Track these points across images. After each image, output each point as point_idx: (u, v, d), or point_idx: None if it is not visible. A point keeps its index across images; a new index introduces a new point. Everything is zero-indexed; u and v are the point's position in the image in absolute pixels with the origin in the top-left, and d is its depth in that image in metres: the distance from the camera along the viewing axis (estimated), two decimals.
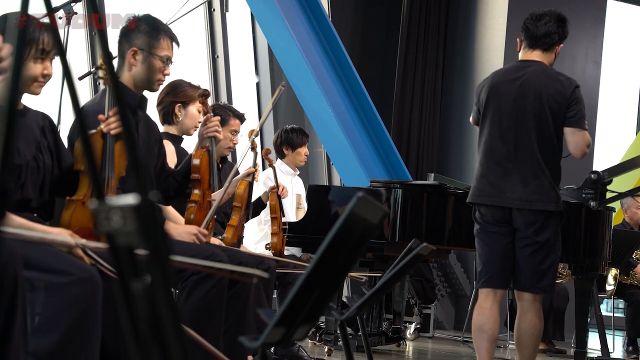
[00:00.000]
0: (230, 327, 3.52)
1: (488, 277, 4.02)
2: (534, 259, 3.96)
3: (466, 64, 8.86)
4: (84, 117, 1.09)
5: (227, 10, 8.05)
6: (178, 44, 3.48)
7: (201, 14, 7.98)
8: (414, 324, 7.00)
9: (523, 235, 3.96)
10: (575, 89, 3.99)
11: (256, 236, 5.74)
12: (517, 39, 4.20)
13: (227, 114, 4.77)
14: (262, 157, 5.09)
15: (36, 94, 2.86)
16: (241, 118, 5.00)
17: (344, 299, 6.01)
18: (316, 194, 5.41)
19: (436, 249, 4.32)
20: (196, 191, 3.67)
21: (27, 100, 2.97)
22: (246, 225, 4.83)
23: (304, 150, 5.93)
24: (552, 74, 4.03)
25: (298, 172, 6.05)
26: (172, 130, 4.24)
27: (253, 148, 4.92)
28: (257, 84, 8.44)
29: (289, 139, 5.89)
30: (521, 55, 4.14)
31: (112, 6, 7.09)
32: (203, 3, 7.42)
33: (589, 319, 6.39)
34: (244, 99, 8.36)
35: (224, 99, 7.87)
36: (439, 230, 5.29)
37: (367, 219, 1.92)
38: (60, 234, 2.71)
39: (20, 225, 2.66)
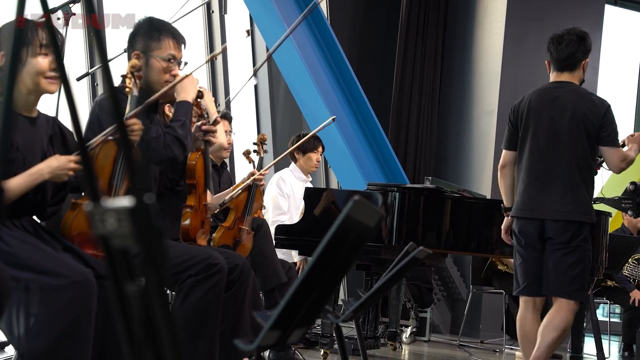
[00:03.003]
0: (226, 330, 3.52)
1: (526, 285, 4.24)
2: (564, 262, 4.12)
3: (464, 68, 8.86)
4: (80, 119, 1.09)
5: (225, 12, 8.06)
6: (184, 43, 3.47)
7: (200, 16, 7.98)
8: (410, 327, 7.00)
9: (555, 241, 4.14)
10: (607, 109, 4.22)
11: None
12: (546, 62, 4.38)
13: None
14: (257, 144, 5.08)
15: (51, 91, 2.87)
16: (226, 117, 5.04)
17: (340, 302, 6.01)
18: (313, 197, 5.40)
19: (433, 253, 4.33)
20: (192, 196, 3.67)
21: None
22: None
23: (315, 155, 5.94)
24: (585, 94, 4.26)
25: (310, 179, 6.07)
26: None
27: (258, 152, 4.94)
28: (255, 87, 8.44)
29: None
30: (552, 77, 4.34)
31: (112, 6, 7.09)
32: (202, 5, 7.42)
33: (584, 324, 6.39)
34: (242, 101, 8.36)
35: (222, 101, 7.87)
36: (435, 234, 5.28)
37: (363, 222, 1.92)
38: (50, 165, 2.74)
39: (18, 185, 2.69)
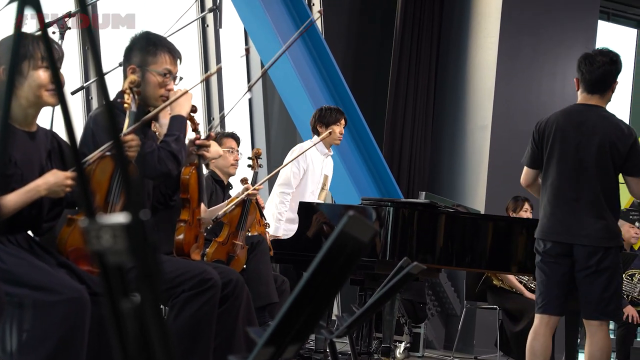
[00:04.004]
0: (219, 345, 3.51)
1: (545, 304, 4.26)
2: (598, 286, 4.15)
3: (458, 82, 8.89)
4: (75, 132, 1.09)
5: (220, 27, 8.07)
6: (180, 58, 3.47)
7: (195, 30, 7.99)
8: (403, 343, 6.98)
9: (585, 266, 4.17)
10: (635, 139, 4.23)
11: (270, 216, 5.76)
12: (575, 79, 4.34)
13: (219, 135, 4.86)
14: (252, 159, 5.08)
15: (51, 104, 2.87)
16: (234, 137, 5.08)
17: (334, 317, 5.99)
18: (307, 211, 5.40)
19: (427, 268, 4.32)
20: (185, 210, 3.66)
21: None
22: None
23: (338, 128, 5.90)
24: (613, 121, 4.26)
25: (332, 153, 6.04)
26: None
27: (252, 166, 4.94)
28: (250, 101, 8.44)
29: (322, 116, 5.88)
30: (580, 99, 4.31)
31: (112, 6, 7.08)
32: (197, 19, 7.43)
33: (579, 340, 6.38)
34: (236, 115, 8.36)
35: (216, 115, 7.88)
36: (429, 249, 5.28)
37: (357, 237, 1.92)
38: (47, 181, 2.72)
39: (15, 202, 2.68)
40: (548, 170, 4.29)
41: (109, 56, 6.69)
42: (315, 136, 5.91)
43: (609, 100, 4.32)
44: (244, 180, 4.93)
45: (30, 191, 2.74)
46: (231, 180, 5.27)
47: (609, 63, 4.21)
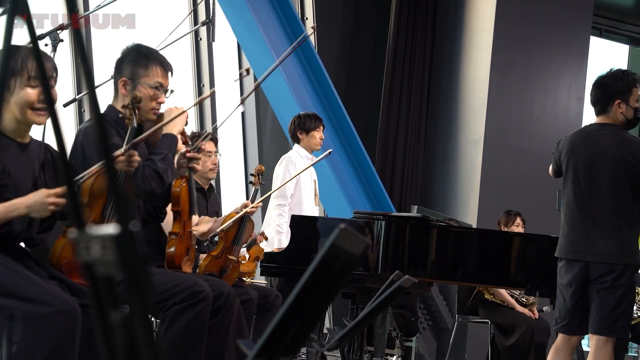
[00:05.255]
0: (210, 358, 3.50)
1: (564, 324, 4.38)
2: (610, 302, 4.21)
3: (451, 97, 8.91)
4: (65, 147, 1.09)
5: (213, 40, 8.07)
6: (171, 71, 3.47)
7: (188, 43, 8.00)
8: (395, 356, 6.97)
9: (600, 281, 4.23)
10: None
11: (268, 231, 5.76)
12: None
13: (196, 140, 4.83)
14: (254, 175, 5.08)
15: (39, 123, 2.85)
16: (212, 138, 5.05)
17: (325, 331, 5.98)
18: (299, 225, 5.40)
19: (418, 282, 4.33)
20: (177, 223, 3.66)
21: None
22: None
23: (318, 134, 5.97)
24: (627, 139, 4.31)
25: (315, 159, 6.08)
26: None
27: (254, 183, 4.94)
28: (243, 114, 8.45)
29: (302, 123, 5.93)
30: (595, 119, 4.42)
31: (112, 6, 7.07)
32: (190, 32, 7.44)
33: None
34: (228, 128, 8.37)
35: (209, 129, 7.88)
36: (421, 263, 5.28)
37: (349, 250, 1.92)
38: (27, 199, 2.70)
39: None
40: (565, 189, 4.40)
41: (109, 57, 6.70)
42: (297, 144, 5.97)
43: (625, 118, 4.31)
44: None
45: (9, 207, 2.71)
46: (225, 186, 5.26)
47: (597, 85, 4.34)
